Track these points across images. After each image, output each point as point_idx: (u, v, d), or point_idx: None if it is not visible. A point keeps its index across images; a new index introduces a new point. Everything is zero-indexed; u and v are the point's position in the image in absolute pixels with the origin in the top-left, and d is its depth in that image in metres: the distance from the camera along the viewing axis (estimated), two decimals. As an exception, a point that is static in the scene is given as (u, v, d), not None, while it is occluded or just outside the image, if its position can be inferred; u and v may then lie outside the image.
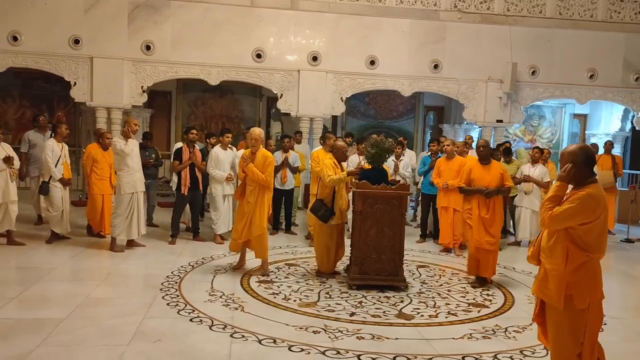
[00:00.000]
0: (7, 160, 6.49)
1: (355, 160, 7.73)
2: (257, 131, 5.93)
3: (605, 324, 4.75)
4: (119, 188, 6.54)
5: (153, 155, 8.25)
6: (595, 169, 7.81)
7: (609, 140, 10.09)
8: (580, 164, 2.98)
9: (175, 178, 7.69)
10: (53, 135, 7.03)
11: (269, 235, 7.74)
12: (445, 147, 7.44)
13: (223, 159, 7.29)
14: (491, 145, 8.60)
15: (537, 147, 8.14)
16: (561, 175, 3.01)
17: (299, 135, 9.51)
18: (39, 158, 7.82)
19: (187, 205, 7.48)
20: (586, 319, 2.94)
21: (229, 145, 7.56)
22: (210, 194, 7.52)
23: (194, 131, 7.33)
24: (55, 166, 6.80)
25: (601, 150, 9.93)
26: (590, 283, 2.95)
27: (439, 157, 7.94)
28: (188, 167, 7.08)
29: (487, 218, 5.66)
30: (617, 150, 11.46)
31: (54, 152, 6.81)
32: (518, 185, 7.75)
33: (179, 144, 7.57)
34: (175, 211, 7.27)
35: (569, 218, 2.90)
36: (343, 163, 6.02)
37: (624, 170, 10.99)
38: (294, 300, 5.02)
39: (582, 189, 2.96)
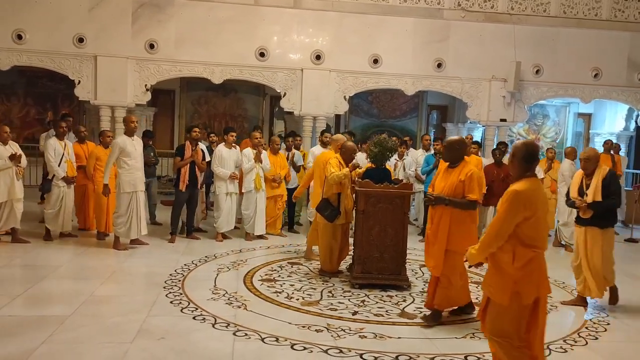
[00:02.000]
0: (13, 157, 6.52)
1: (362, 158, 7.75)
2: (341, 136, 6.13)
3: (608, 324, 4.77)
4: (119, 186, 6.54)
5: (151, 154, 8.27)
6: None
7: (608, 140, 10.05)
8: (521, 158, 3.11)
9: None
10: (55, 134, 7.08)
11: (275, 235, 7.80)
12: None
13: (227, 157, 7.31)
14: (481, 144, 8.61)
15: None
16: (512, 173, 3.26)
17: (299, 138, 9.46)
18: None
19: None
20: (538, 313, 3.03)
21: (233, 144, 7.58)
22: (213, 192, 7.55)
23: (197, 129, 7.35)
24: (59, 164, 6.83)
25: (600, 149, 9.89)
26: (537, 279, 3.03)
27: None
28: (188, 165, 7.10)
29: (430, 234, 4.61)
30: (621, 150, 11.41)
31: (56, 150, 6.84)
32: None
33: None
34: (174, 209, 7.28)
35: (507, 223, 2.99)
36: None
37: (627, 170, 10.96)
38: (297, 299, 5.03)
39: (511, 186, 3.10)
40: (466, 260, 3.30)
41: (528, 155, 3.13)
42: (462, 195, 4.41)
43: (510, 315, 3.02)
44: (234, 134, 7.55)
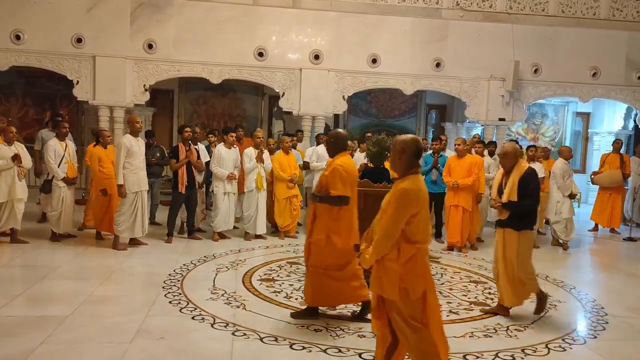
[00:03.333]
0: (15, 158, 6.51)
1: (360, 158, 7.77)
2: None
3: (606, 322, 4.78)
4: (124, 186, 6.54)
5: (157, 154, 8.27)
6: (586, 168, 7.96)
7: (618, 139, 10.05)
8: (411, 154, 3.12)
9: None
10: (56, 134, 7.08)
11: (272, 237, 7.80)
12: (456, 146, 7.49)
13: (226, 157, 7.32)
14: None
15: (533, 146, 8.24)
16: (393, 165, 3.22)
17: (301, 133, 9.53)
18: None
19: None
20: (424, 307, 3.04)
21: (234, 144, 7.59)
22: (211, 191, 7.56)
23: (188, 129, 7.35)
24: (59, 165, 6.83)
25: (608, 149, 9.91)
26: (422, 273, 3.06)
27: (441, 155, 7.96)
28: (185, 166, 7.10)
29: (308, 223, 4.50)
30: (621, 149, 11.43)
31: (56, 151, 6.84)
32: None
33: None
34: (171, 210, 7.29)
35: (397, 221, 3.00)
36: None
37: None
38: (296, 299, 5.04)
39: (398, 183, 3.12)
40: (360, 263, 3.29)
41: (418, 151, 3.16)
42: (327, 191, 4.33)
43: (405, 311, 3.03)
44: (234, 134, 7.55)
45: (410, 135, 3.26)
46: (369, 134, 8.56)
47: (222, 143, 7.51)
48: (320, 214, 4.39)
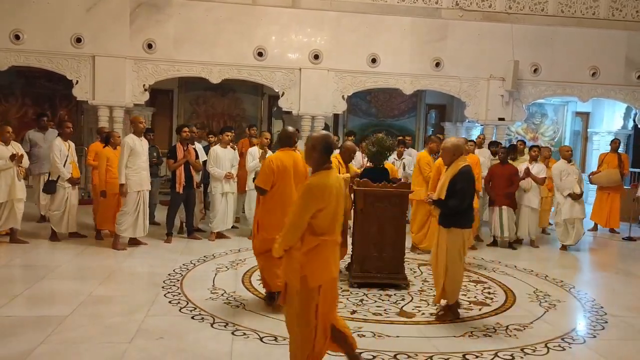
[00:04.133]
0: (14, 158, 6.51)
1: (358, 158, 7.76)
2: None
3: (606, 322, 4.78)
4: (127, 186, 6.53)
5: (154, 154, 8.27)
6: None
7: (616, 139, 10.07)
8: (321, 150, 3.18)
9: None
10: (60, 134, 7.07)
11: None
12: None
13: (222, 157, 7.32)
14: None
15: (536, 146, 8.24)
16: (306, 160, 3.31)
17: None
18: (39, 157, 7.86)
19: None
20: (318, 297, 3.12)
21: (230, 144, 7.57)
22: (209, 191, 7.56)
23: (186, 129, 7.35)
24: (64, 165, 6.83)
25: (607, 148, 9.92)
26: (322, 264, 3.14)
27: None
28: (182, 166, 7.11)
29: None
30: (620, 148, 11.43)
31: (61, 151, 6.84)
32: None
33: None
34: (170, 210, 7.29)
35: (302, 215, 3.09)
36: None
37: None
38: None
39: (309, 178, 3.23)
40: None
41: (328, 147, 3.22)
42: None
43: (301, 298, 3.14)
44: (229, 133, 7.54)
45: (321, 132, 3.34)
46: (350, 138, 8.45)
47: (218, 143, 7.52)
48: (257, 202, 4.91)
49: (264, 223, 4.56)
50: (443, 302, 4.73)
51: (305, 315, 3.14)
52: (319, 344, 3.19)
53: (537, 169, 7.80)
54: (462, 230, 4.57)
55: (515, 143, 9.30)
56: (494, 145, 8.71)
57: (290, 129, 4.88)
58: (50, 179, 6.99)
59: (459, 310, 4.75)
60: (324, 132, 3.37)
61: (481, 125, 10.70)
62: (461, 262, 4.63)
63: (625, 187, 9.81)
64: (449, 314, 4.67)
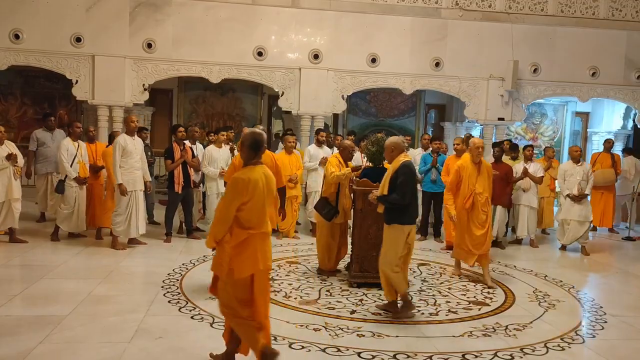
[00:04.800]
0: (10, 157, 6.51)
1: (357, 158, 7.76)
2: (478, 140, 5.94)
3: (605, 322, 4.78)
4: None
5: (148, 153, 8.25)
6: (581, 168, 7.85)
7: (608, 139, 10.07)
8: (248, 146, 3.37)
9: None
10: (69, 134, 7.08)
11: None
12: (455, 146, 7.50)
13: (217, 157, 7.32)
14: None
15: (530, 145, 8.25)
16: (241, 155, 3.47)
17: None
18: (46, 156, 7.86)
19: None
20: (254, 288, 3.30)
21: (230, 144, 7.57)
22: (204, 191, 7.54)
23: (182, 129, 7.36)
24: (71, 165, 6.83)
25: (600, 148, 9.93)
26: (249, 257, 3.28)
27: (439, 155, 7.96)
28: (180, 166, 7.10)
29: None
30: (618, 148, 11.43)
31: (69, 151, 6.85)
32: (516, 183, 7.83)
33: (186, 143, 7.65)
34: (168, 209, 7.28)
35: (227, 207, 3.25)
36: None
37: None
38: (295, 298, 5.04)
39: (236, 173, 3.39)
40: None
41: (254, 143, 3.38)
42: None
43: (229, 289, 3.31)
44: (225, 133, 7.53)
45: (251, 129, 3.52)
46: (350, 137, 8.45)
47: (213, 143, 7.51)
48: None
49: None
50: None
51: (232, 306, 3.32)
52: (257, 331, 3.33)
53: (534, 168, 7.83)
54: (402, 226, 4.61)
55: (515, 143, 9.29)
56: (497, 146, 8.66)
57: (261, 128, 5.05)
58: (59, 178, 7.00)
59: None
60: (254, 129, 3.54)
61: (481, 125, 10.70)
62: (396, 258, 4.59)
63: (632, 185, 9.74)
64: (403, 312, 4.68)
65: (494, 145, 8.69)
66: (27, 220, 7.75)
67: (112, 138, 7.21)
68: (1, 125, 6.71)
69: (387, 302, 4.79)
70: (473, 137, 6.89)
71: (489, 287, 5.65)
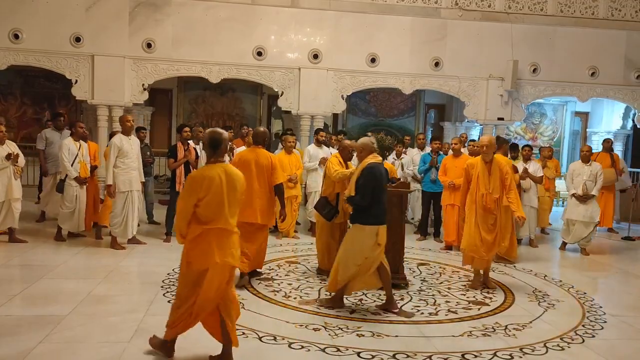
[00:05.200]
0: (10, 157, 6.50)
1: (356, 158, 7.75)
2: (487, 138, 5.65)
3: (605, 322, 4.79)
4: (115, 186, 6.51)
5: (147, 153, 8.26)
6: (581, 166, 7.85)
7: (607, 138, 10.08)
8: (207, 145, 3.57)
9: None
10: (71, 134, 7.08)
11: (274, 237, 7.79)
12: (453, 145, 7.49)
13: None
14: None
15: (528, 145, 8.25)
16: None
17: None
18: (55, 156, 7.87)
19: None
20: (203, 281, 3.42)
21: (230, 143, 7.53)
22: None
23: (187, 129, 7.36)
24: (72, 165, 6.83)
25: (599, 148, 9.93)
26: (204, 251, 3.44)
27: (439, 154, 7.97)
28: (183, 165, 7.10)
29: None
30: (618, 148, 11.45)
31: (70, 150, 6.85)
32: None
33: (190, 143, 7.65)
34: (169, 209, 7.28)
35: (184, 204, 3.45)
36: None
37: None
38: (295, 298, 5.04)
39: (193, 171, 3.61)
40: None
41: (212, 142, 3.55)
42: None
43: (185, 280, 3.52)
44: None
45: (210, 129, 3.69)
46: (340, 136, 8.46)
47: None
48: None
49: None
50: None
51: (185, 293, 3.51)
52: (186, 319, 3.55)
53: (533, 167, 7.84)
54: (363, 227, 4.61)
55: (515, 143, 9.30)
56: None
57: (262, 129, 5.61)
58: (60, 178, 7.00)
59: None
60: (213, 128, 3.71)
61: (480, 125, 10.70)
62: (358, 257, 4.59)
63: (629, 185, 9.77)
64: (330, 302, 4.79)
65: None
66: (27, 220, 7.74)
67: (112, 137, 7.21)
68: (1, 125, 6.70)
69: (330, 295, 4.87)
70: (487, 135, 6.83)
71: (490, 289, 5.61)
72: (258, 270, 5.55)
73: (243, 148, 7.47)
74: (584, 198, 7.44)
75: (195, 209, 3.41)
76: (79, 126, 7.10)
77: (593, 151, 10.24)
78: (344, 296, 4.85)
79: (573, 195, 7.55)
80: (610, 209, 9.18)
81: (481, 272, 5.71)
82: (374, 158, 4.73)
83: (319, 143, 8.11)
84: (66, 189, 6.85)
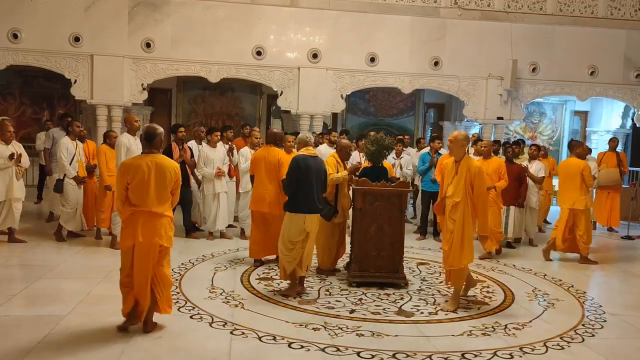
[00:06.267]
0: (12, 157, 6.49)
1: (355, 157, 7.75)
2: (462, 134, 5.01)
3: (604, 321, 4.79)
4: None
5: None
6: (593, 166, 7.84)
7: (613, 138, 10.06)
8: (143, 138, 4.08)
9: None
10: (68, 133, 7.08)
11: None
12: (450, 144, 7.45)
13: (212, 158, 7.28)
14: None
15: (535, 145, 8.23)
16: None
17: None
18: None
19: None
20: (133, 258, 3.91)
21: (230, 143, 7.55)
22: (201, 191, 7.52)
23: (182, 129, 7.37)
24: (70, 164, 6.83)
25: (605, 147, 9.92)
26: (131, 230, 3.92)
27: (438, 154, 7.96)
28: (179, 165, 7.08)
29: None
30: (618, 148, 11.43)
31: (68, 150, 6.84)
32: None
33: (191, 142, 7.65)
34: None
35: (118, 186, 4.02)
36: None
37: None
38: (294, 298, 5.03)
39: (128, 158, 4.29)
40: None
41: (147, 135, 4.06)
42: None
43: (122, 256, 4.01)
44: (219, 133, 7.51)
45: (147, 124, 4.20)
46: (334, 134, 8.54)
47: (207, 143, 7.49)
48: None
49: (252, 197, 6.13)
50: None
51: (122, 271, 4.02)
52: (130, 292, 3.97)
53: (536, 167, 7.81)
54: (291, 214, 5.04)
55: (521, 139, 9.28)
56: (497, 144, 8.64)
57: (275, 130, 6.35)
58: (58, 177, 6.99)
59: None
60: (150, 124, 4.19)
61: (480, 124, 10.70)
62: (286, 241, 5.03)
63: (624, 186, 9.80)
64: (291, 290, 5.13)
65: (504, 144, 8.59)
66: (27, 220, 7.74)
67: (106, 137, 7.15)
68: (10, 125, 6.69)
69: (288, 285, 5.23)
70: (457, 131, 6.68)
71: (446, 310, 4.86)
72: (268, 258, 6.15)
73: (247, 148, 7.50)
74: None
75: (126, 192, 3.92)
76: (76, 125, 7.09)
77: (599, 151, 10.18)
78: (300, 277, 5.18)
79: None
80: (616, 209, 9.17)
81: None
82: (305, 151, 5.20)
83: (331, 143, 8.09)
84: (66, 188, 6.85)
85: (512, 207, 7.40)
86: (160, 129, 4.13)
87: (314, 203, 5.03)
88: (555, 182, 9.55)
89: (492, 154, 7.17)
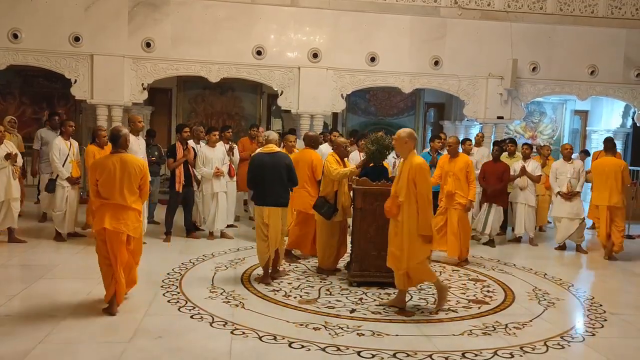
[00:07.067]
0: (9, 157, 6.49)
1: (355, 157, 7.74)
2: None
3: (605, 320, 4.79)
4: None
5: (155, 153, 8.26)
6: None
7: (608, 137, 10.04)
8: (109, 138, 4.69)
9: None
10: (61, 133, 7.05)
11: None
12: (447, 147, 7.45)
13: (211, 157, 7.27)
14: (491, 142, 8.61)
15: (527, 144, 8.27)
16: None
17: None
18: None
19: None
20: (104, 243, 4.35)
21: (230, 143, 7.54)
22: (200, 191, 7.52)
23: (187, 129, 7.35)
24: (63, 165, 6.81)
25: (599, 146, 9.92)
26: (100, 218, 4.35)
27: (439, 154, 7.96)
28: (182, 165, 7.09)
29: None
30: (618, 147, 11.42)
31: (61, 150, 6.81)
32: (514, 182, 7.84)
33: (190, 142, 7.63)
34: (169, 209, 7.26)
35: (90, 182, 4.48)
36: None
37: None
38: (295, 297, 5.04)
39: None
40: None
41: (111, 137, 4.53)
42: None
43: (97, 243, 4.43)
44: (217, 133, 7.50)
45: (112, 127, 4.70)
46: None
47: (206, 143, 7.48)
48: None
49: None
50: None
51: (97, 249, 4.45)
52: (108, 277, 4.39)
53: (532, 166, 7.85)
54: (256, 207, 5.50)
55: (513, 137, 9.29)
56: (497, 145, 8.64)
57: (311, 133, 6.83)
58: (50, 177, 6.98)
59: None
60: (115, 126, 4.66)
61: (480, 123, 10.69)
62: (257, 234, 5.46)
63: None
64: (263, 278, 5.48)
65: (495, 143, 8.67)
66: (27, 220, 7.74)
67: (94, 136, 7.02)
68: (0, 125, 6.69)
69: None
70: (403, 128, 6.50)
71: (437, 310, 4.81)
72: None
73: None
74: (569, 195, 7.45)
75: (97, 187, 4.38)
76: (69, 125, 7.04)
77: (594, 150, 10.20)
78: (276, 267, 5.63)
79: (558, 193, 7.56)
80: None
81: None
82: (264, 148, 5.57)
83: (332, 143, 8.09)
84: (57, 190, 6.82)
85: (493, 205, 7.47)
86: (125, 130, 4.55)
87: (274, 196, 5.35)
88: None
89: (459, 152, 6.91)
